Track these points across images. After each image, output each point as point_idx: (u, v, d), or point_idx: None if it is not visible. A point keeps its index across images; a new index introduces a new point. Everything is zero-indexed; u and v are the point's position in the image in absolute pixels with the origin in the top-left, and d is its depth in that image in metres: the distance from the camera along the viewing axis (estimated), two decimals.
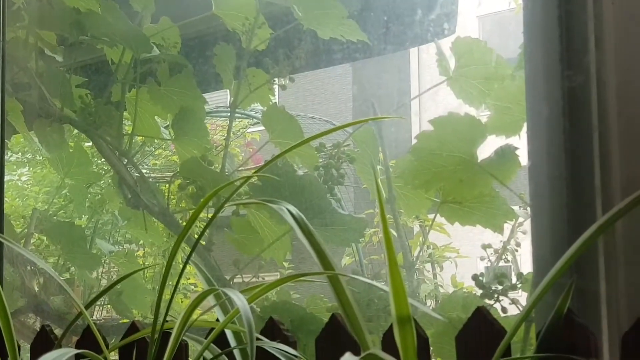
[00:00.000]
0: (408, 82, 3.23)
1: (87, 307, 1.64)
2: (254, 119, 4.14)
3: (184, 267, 1.25)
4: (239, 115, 3.60)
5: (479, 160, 1.48)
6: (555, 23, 1.19)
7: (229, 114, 2.09)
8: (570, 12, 1.16)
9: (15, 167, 2.89)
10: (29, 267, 2.21)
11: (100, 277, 2.47)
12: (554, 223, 1.18)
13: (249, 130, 2.83)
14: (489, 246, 1.63)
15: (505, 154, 1.45)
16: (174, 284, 1.28)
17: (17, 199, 2.83)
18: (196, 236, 1.83)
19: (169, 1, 2.29)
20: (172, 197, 1.93)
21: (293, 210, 1.16)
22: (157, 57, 2.10)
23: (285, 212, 1.15)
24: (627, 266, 1.10)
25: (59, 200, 2.53)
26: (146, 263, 2.40)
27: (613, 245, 1.12)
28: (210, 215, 1.82)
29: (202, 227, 1.91)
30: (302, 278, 1.16)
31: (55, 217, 2.51)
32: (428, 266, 1.86)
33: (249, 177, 1.41)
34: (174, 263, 1.39)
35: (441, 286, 1.82)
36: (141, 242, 2.48)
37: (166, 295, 1.27)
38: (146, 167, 2.38)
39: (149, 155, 2.43)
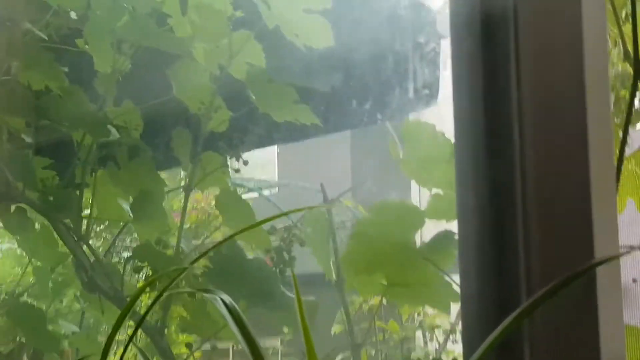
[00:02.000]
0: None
1: None
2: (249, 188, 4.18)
3: (125, 350, 1.26)
4: (234, 183, 3.64)
5: (417, 246, 1.51)
6: (481, 114, 1.22)
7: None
8: (495, 101, 1.19)
9: None
10: None
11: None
12: (481, 307, 1.20)
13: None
14: (439, 327, 1.65)
15: (443, 240, 1.47)
16: None
17: None
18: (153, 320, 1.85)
19: (131, 84, 2.32)
20: (129, 279, 1.94)
21: (227, 301, 1.17)
22: (117, 142, 2.13)
23: (219, 302, 1.17)
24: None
25: (24, 282, 2.54)
26: None
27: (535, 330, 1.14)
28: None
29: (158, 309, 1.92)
30: None
31: (21, 298, 2.52)
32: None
33: (184, 269, 1.43)
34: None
35: None
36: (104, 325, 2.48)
37: None
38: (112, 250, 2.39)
39: (109, 238, 2.45)
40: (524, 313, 1.06)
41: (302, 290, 1.05)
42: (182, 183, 2.02)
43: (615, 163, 1.25)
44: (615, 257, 1.06)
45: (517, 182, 1.16)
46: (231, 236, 1.54)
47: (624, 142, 1.32)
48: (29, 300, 2.46)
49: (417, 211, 1.50)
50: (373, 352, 2.33)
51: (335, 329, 2.15)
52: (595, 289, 1.08)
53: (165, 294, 1.25)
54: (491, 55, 1.21)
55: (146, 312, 1.37)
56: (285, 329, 1.84)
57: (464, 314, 1.24)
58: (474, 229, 1.22)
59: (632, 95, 1.26)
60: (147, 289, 1.55)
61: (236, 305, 1.18)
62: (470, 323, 1.23)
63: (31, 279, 2.55)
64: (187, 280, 1.89)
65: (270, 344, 2.70)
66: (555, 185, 1.12)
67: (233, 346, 2.63)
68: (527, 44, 1.15)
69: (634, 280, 1.21)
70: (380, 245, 1.50)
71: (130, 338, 1.33)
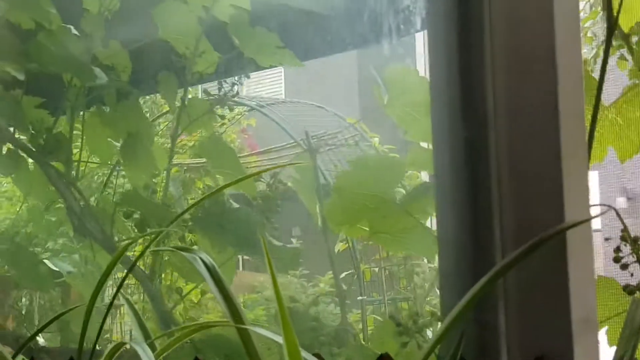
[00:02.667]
0: None
1: (33, 336, 1.68)
2: (249, 107, 4.19)
3: (112, 301, 1.28)
4: (233, 103, 3.65)
5: (397, 199, 1.53)
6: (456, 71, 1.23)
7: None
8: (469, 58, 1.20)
9: None
10: None
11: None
12: (458, 268, 1.22)
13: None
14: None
15: (421, 191, 1.49)
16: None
17: None
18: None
19: (117, 26, 2.32)
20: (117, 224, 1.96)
21: (206, 260, 1.19)
22: (104, 85, 2.14)
23: (198, 262, 1.19)
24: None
25: (18, 222, 2.56)
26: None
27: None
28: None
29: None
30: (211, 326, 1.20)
31: (15, 237, 2.54)
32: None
33: (160, 231, 1.45)
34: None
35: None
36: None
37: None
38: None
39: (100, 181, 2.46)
40: (498, 274, 1.09)
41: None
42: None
43: (590, 121, 1.26)
44: (582, 222, 1.07)
45: (490, 143, 1.17)
46: (219, 189, 1.56)
47: (598, 95, 1.33)
48: (23, 240, 2.49)
49: (398, 164, 1.52)
50: (377, 269, 2.37)
51: (339, 246, 2.18)
52: (565, 250, 1.11)
53: (148, 251, 1.27)
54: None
55: (130, 268, 1.39)
56: None
57: (441, 269, 1.27)
58: (449, 186, 1.23)
59: (607, 52, 1.27)
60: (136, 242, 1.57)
61: (215, 264, 1.19)
62: (446, 280, 1.26)
63: (24, 219, 2.57)
64: (178, 226, 1.91)
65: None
66: (526, 146, 1.14)
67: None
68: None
69: (606, 239, 1.23)
70: (360, 199, 1.52)
71: (119, 287, 1.36)
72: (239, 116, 4.07)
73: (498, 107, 1.16)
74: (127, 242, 1.09)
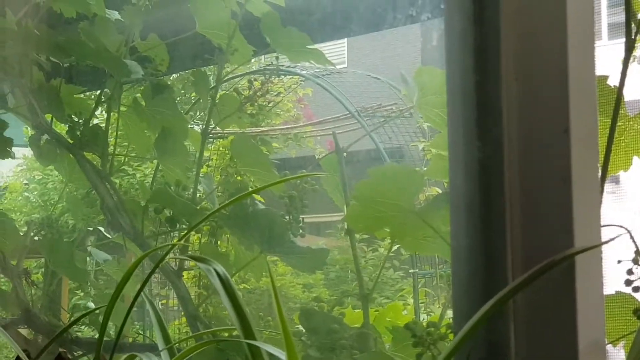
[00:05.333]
0: None
1: (67, 328, 1.72)
2: (303, 77, 4.21)
3: (134, 300, 1.31)
4: (286, 72, 3.67)
5: (416, 208, 1.53)
6: (472, 89, 1.23)
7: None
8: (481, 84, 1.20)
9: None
10: (23, 279, 2.29)
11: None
12: (470, 285, 1.23)
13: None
14: None
15: (442, 202, 1.49)
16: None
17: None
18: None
19: (155, 19, 2.34)
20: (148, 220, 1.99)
21: (220, 271, 1.21)
22: (140, 79, 2.16)
23: (212, 273, 1.21)
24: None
25: (56, 209, 2.61)
26: None
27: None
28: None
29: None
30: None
31: (55, 224, 2.59)
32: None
33: (173, 245, 1.47)
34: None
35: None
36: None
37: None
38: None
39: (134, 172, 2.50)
40: (507, 296, 1.10)
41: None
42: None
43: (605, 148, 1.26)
44: (591, 248, 1.07)
45: (504, 165, 1.17)
46: (249, 193, 1.58)
47: (616, 108, 1.32)
48: (62, 226, 2.53)
49: (417, 175, 1.53)
50: None
51: None
52: (574, 272, 1.11)
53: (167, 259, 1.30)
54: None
55: (154, 268, 1.41)
56: None
57: (454, 285, 1.27)
58: (463, 204, 1.24)
59: (625, 66, 1.26)
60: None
61: (229, 277, 1.21)
62: (458, 294, 1.27)
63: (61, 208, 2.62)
64: (209, 222, 1.94)
65: None
66: (536, 168, 1.14)
67: None
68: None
69: (619, 262, 1.22)
70: (381, 206, 1.53)
71: (141, 287, 1.39)
72: (296, 86, 4.09)
73: (511, 129, 1.17)
74: (153, 248, 1.11)
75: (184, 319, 2.31)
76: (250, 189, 1.82)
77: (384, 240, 2.04)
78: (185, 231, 1.84)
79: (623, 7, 1.37)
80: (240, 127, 2.02)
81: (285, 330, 1.01)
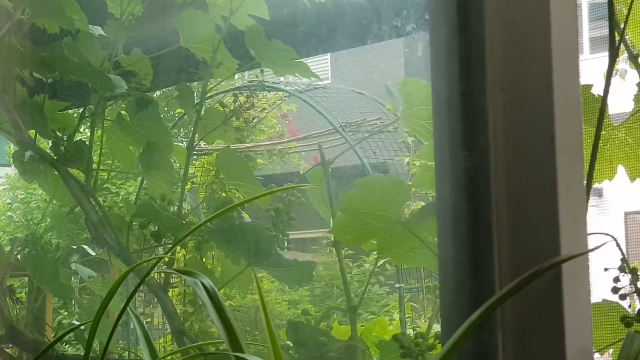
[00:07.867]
0: None
1: (52, 344, 1.70)
2: (287, 92, 4.20)
3: (120, 316, 1.30)
4: (271, 87, 3.66)
5: (403, 219, 1.53)
6: (458, 98, 1.23)
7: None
8: (467, 93, 1.20)
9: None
10: (7, 297, 2.28)
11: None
12: (457, 295, 1.23)
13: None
14: None
15: (428, 212, 1.49)
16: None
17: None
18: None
19: (139, 33, 2.34)
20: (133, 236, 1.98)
21: (207, 284, 1.21)
22: (124, 94, 2.16)
23: (199, 286, 1.21)
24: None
25: (39, 228, 2.60)
26: None
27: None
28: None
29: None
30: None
31: (40, 242, 2.58)
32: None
33: (160, 258, 1.46)
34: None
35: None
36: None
37: None
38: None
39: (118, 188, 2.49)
40: (494, 305, 1.10)
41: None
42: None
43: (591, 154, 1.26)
44: (577, 256, 1.08)
45: (491, 174, 1.18)
46: (236, 205, 1.57)
47: (601, 117, 1.33)
48: (45, 244, 2.52)
49: (403, 186, 1.53)
50: None
51: None
52: (560, 279, 1.11)
53: (152, 273, 1.29)
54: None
55: (139, 284, 1.41)
56: None
57: (441, 294, 1.27)
58: (449, 214, 1.24)
59: (609, 77, 1.27)
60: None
61: (216, 289, 1.21)
62: (446, 304, 1.26)
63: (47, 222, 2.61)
64: (194, 236, 1.93)
65: None
66: (523, 176, 1.14)
67: None
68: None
69: (606, 270, 1.23)
70: (368, 218, 1.53)
71: (126, 303, 1.38)
72: (280, 101, 4.09)
73: (497, 138, 1.17)
74: (139, 262, 1.11)
75: (169, 337, 2.31)
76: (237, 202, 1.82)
77: (369, 255, 2.05)
78: (171, 246, 1.84)
79: (604, 21, 1.39)
80: (225, 140, 2.02)
81: (273, 341, 1.01)
